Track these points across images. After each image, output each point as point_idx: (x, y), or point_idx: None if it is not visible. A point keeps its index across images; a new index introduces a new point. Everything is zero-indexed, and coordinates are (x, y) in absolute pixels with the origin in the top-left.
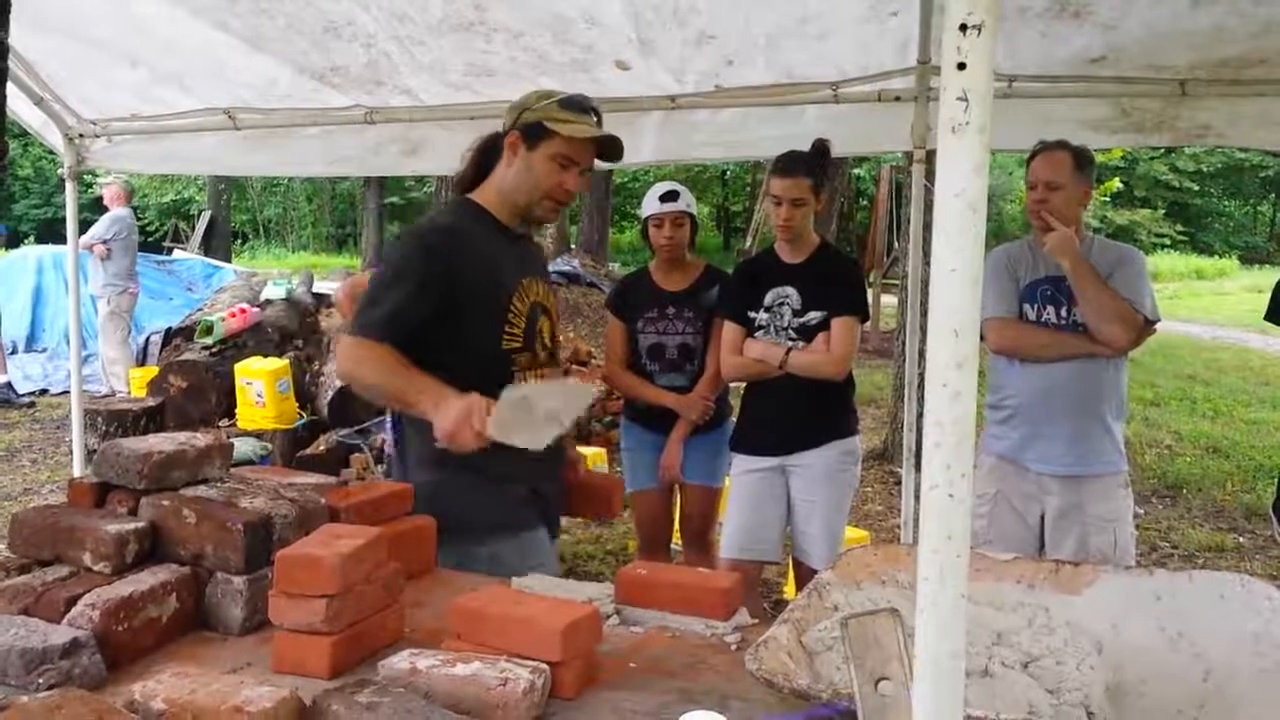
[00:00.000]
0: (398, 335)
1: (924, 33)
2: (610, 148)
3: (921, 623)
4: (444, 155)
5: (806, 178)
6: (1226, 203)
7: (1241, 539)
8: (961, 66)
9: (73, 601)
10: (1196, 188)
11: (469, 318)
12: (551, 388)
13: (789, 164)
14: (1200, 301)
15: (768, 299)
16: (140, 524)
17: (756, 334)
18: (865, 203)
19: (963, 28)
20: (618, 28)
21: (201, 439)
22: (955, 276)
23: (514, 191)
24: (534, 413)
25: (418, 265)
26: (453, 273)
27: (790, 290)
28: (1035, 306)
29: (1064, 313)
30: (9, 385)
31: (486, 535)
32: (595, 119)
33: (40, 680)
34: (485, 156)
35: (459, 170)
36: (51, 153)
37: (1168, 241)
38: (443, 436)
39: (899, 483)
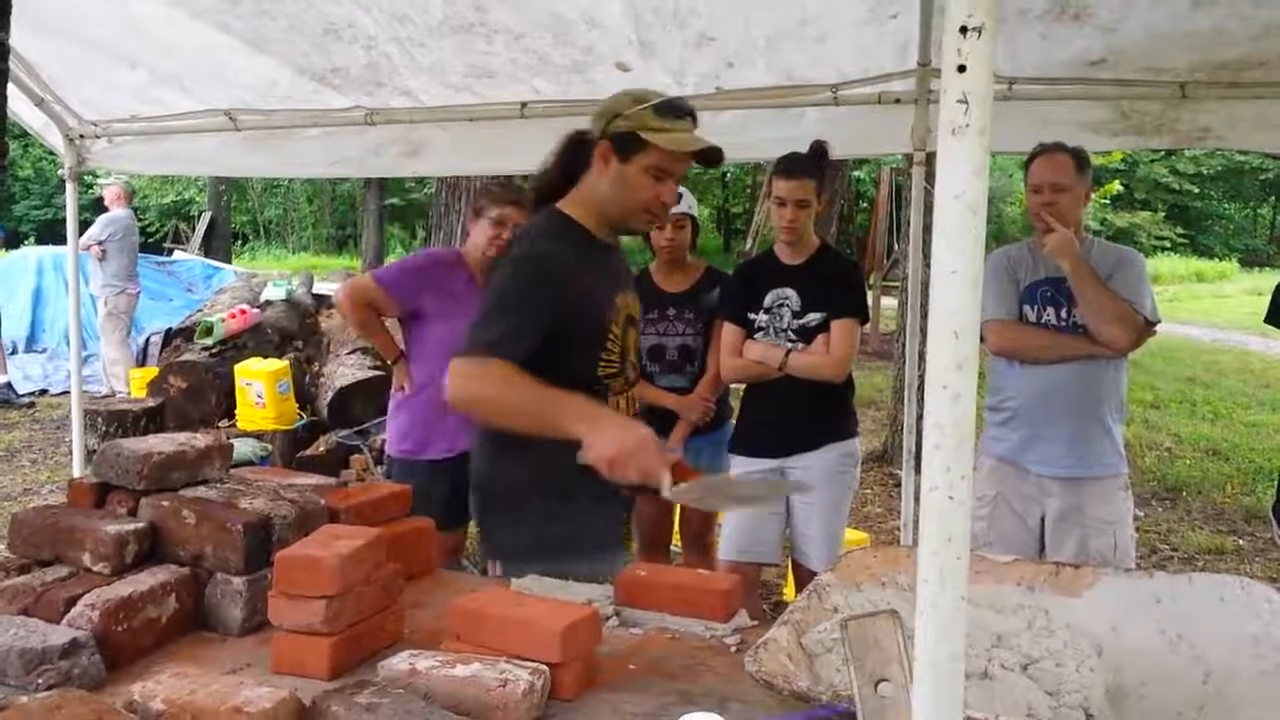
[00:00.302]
0: (514, 356)
1: (924, 35)
2: (711, 154)
3: (921, 625)
4: (444, 156)
5: (810, 179)
6: (1227, 205)
7: (1241, 541)
8: (962, 69)
9: (72, 602)
10: (1197, 190)
11: (568, 347)
12: (759, 482)
13: (793, 166)
14: (1200, 304)
15: (767, 300)
16: (140, 524)
17: (756, 335)
18: (865, 205)
19: (963, 30)
20: (618, 29)
21: (201, 440)
22: (955, 278)
23: (605, 205)
24: (727, 494)
25: (527, 292)
26: (558, 302)
27: (790, 292)
28: (1035, 308)
29: (1064, 314)
30: (9, 385)
31: (591, 554)
32: (692, 122)
33: (40, 680)
34: (570, 159)
35: (540, 172)
36: (52, 153)
37: (1168, 244)
38: (601, 461)
39: (899, 485)
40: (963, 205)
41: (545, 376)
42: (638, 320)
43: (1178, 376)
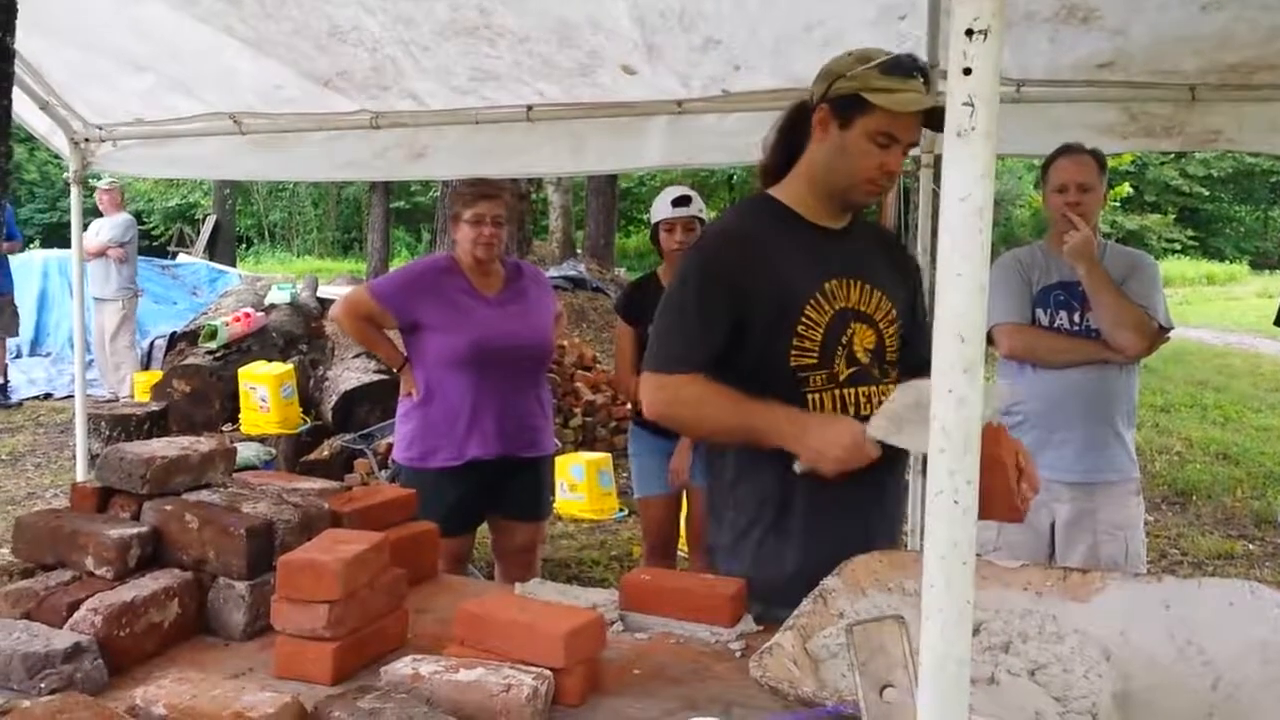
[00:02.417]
0: (705, 362)
1: (932, 37)
2: (941, 116)
3: (927, 630)
4: (449, 160)
5: None
6: (1237, 208)
7: (1251, 546)
8: (967, 71)
9: (75, 606)
10: (1207, 193)
11: (752, 333)
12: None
13: None
14: (1211, 307)
15: None
16: (143, 529)
17: None
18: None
19: (969, 33)
20: (624, 33)
21: (204, 444)
22: (961, 281)
23: (824, 177)
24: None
25: (702, 284)
26: (737, 287)
27: None
28: (1048, 312)
29: (1077, 318)
30: (2, 387)
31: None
32: (923, 81)
33: (42, 685)
34: (791, 136)
35: (762, 159)
36: (57, 157)
37: (1178, 247)
38: (827, 465)
39: (905, 489)
40: (969, 208)
41: (733, 366)
42: (871, 315)
43: (1188, 380)
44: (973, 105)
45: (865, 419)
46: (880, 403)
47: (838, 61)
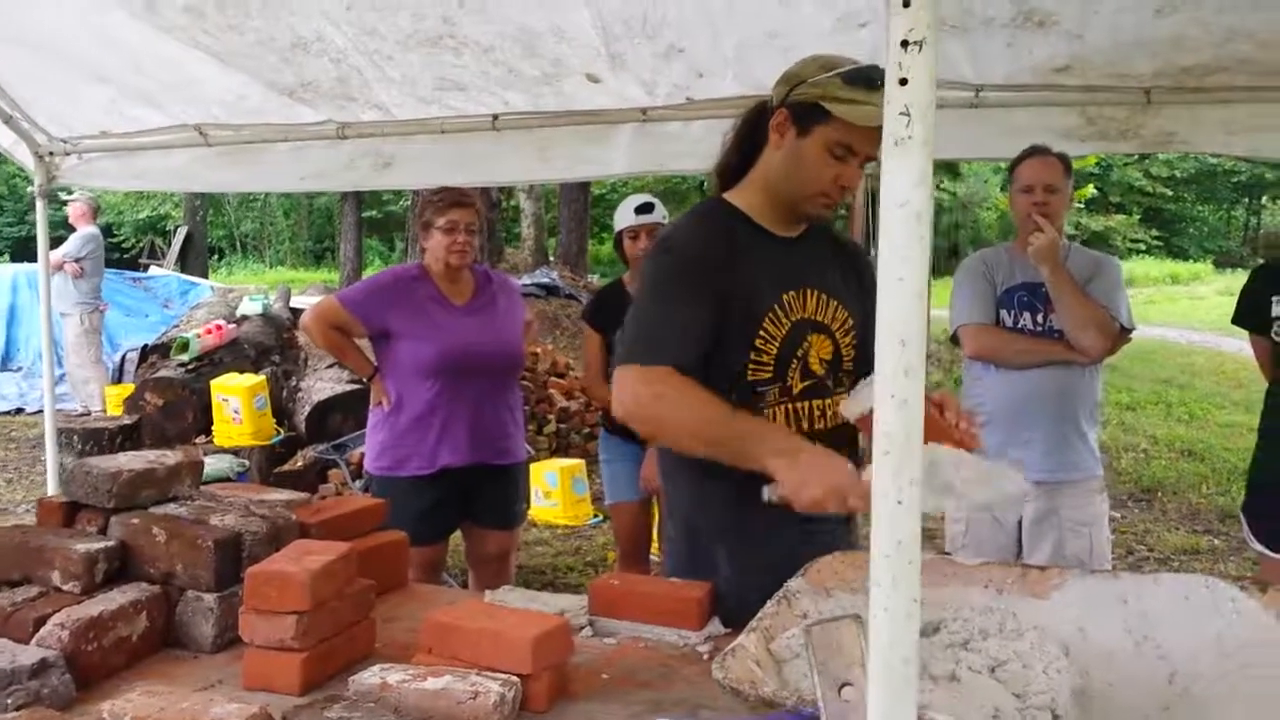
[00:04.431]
0: (686, 360)
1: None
2: None
3: (874, 628)
4: (417, 169)
5: None
6: (1200, 208)
7: (1216, 541)
8: (904, 82)
9: (41, 621)
10: (1170, 193)
11: (715, 342)
12: (978, 467)
13: None
14: (1175, 306)
15: None
16: (110, 543)
17: None
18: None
19: (904, 44)
20: (587, 41)
21: (171, 457)
22: (902, 285)
23: (780, 184)
24: (939, 481)
25: (684, 288)
26: (712, 287)
27: None
28: (1012, 313)
29: (1040, 319)
30: None
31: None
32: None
33: (9, 701)
34: (750, 137)
35: (718, 159)
36: (21, 170)
37: (1142, 247)
38: (802, 501)
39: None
40: (907, 213)
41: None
42: (827, 325)
43: (1153, 378)
44: (909, 115)
45: (817, 433)
46: (833, 415)
47: (802, 66)
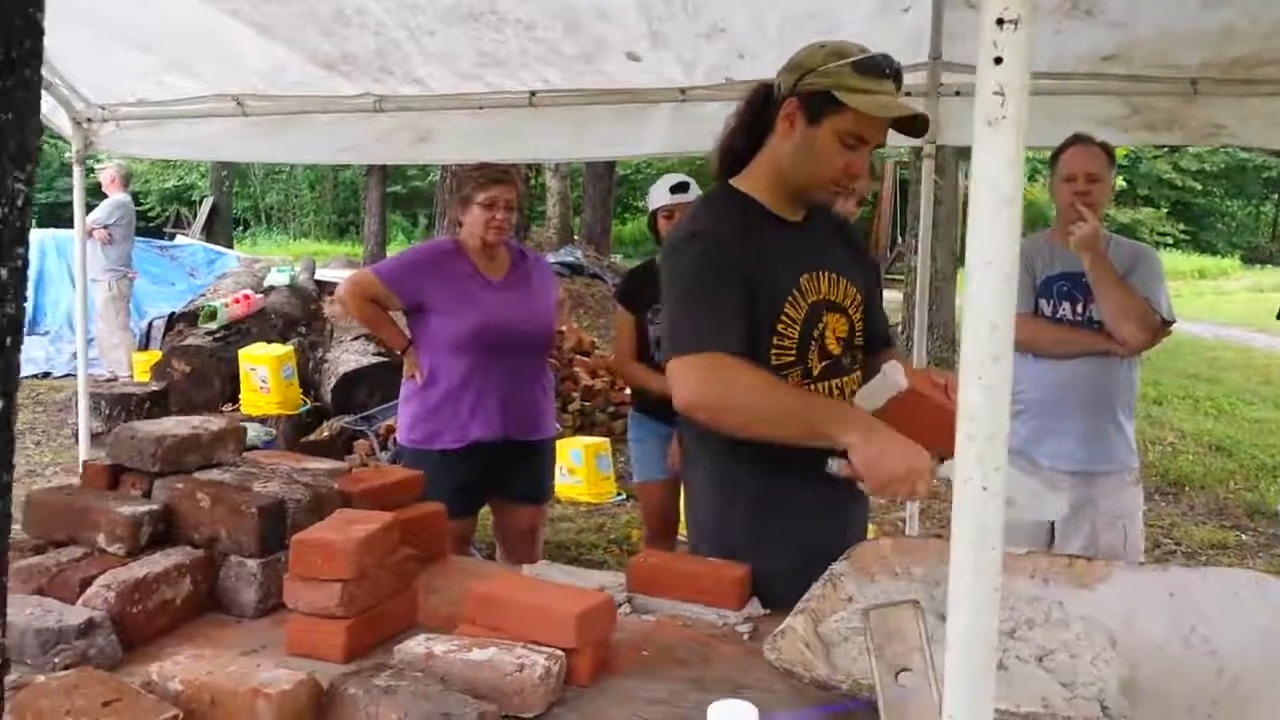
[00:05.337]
0: (733, 346)
1: (936, 28)
2: (915, 123)
3: (954, 616)
4: (453, 144)
5: (870, 176)
6: (1229, 203)
7: (1244, 536)
8: (998, 60)
9: (88, 582)
10: (1199, 187)
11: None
12: None
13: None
14: (1203, 301)
15: None
16: (154, 506)
17: None
18: (870, 199)
19: (999, 22)
20: (629, 21)
21: (215, 423)
22: (991, 270)
23: (791, 173)
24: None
25: (716, 277)
26: (744, 273)
27: None
28: (1051, 302)
29: (1080, 309)
30: None
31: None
32: (896, 83)
33: (56, 660)
34: (754, 120)
35: (723, 137)
36: (54, 136)
37: (1170, 241)
38: (875, 476)
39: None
40: (998, 197)
41: None
42: (841, 304)
43: (1180, 372)
44: (1003, 94)
45: None
46: (851, 394)
47: (810, 54)
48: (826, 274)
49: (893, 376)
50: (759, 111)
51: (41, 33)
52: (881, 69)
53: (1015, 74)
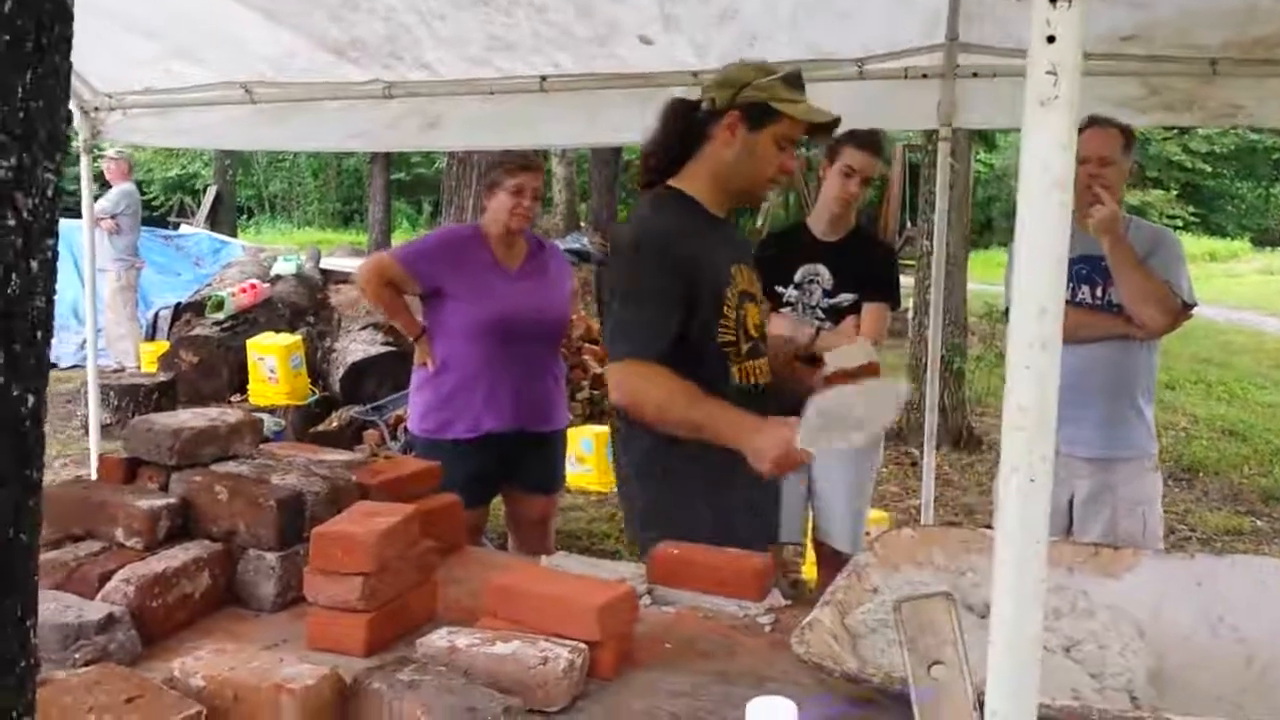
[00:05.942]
0: (660, 350)
1: (953, 9)
2: (831, 125)
3: (999, 608)
4: (462, 130)
5: (879, 157)
6: (1239, 185)
7: (1259, 522)
8: (1051, 40)
9: (107, 577)
10: (1209, 169)
11: (691, 317)
12: (857, 391)
13: (870, 140)
14: (1214, 284)
15: (798, 275)
16: (172, 500)
17: (784, 310)
18: (878, 181)
19: (1053, 0)
20: (641, 2)
21: (232, 415)
22: (1042, 253)
23: (733, 176)
24: (845, 420)
25: (657, 274)
26: (684, 276)
27: (822, 269)
28: (1070, 286)
29: (1099, 292)
30: None
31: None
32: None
33: (76, 655)
34: (683, 131)
35: (652, 145)
36: None
37: (1180, 223)
38: (766, 467)
39: (914, 464)
40: (1049, 179)
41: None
42: (755, 295)
43: (1192, 356)
44: (1056, 74)
45: (755, 388)
46: (766, 371)
47: (741, 71)
48: (744, 269)
49: (865, 348)
50: (686, 125)
51: (71, 17)
52: (800, 82)
53: (1069, 53)
